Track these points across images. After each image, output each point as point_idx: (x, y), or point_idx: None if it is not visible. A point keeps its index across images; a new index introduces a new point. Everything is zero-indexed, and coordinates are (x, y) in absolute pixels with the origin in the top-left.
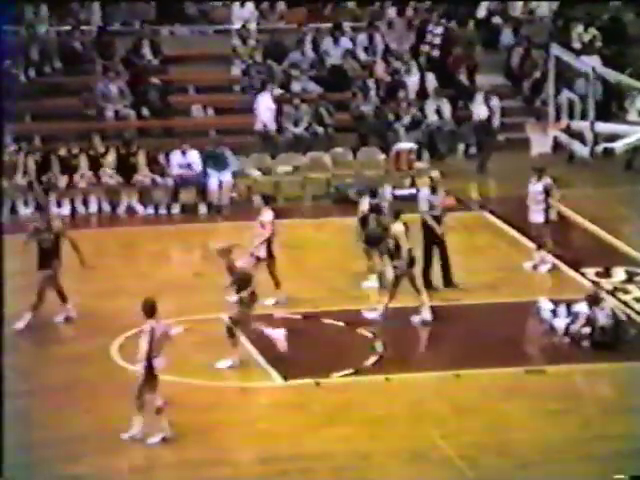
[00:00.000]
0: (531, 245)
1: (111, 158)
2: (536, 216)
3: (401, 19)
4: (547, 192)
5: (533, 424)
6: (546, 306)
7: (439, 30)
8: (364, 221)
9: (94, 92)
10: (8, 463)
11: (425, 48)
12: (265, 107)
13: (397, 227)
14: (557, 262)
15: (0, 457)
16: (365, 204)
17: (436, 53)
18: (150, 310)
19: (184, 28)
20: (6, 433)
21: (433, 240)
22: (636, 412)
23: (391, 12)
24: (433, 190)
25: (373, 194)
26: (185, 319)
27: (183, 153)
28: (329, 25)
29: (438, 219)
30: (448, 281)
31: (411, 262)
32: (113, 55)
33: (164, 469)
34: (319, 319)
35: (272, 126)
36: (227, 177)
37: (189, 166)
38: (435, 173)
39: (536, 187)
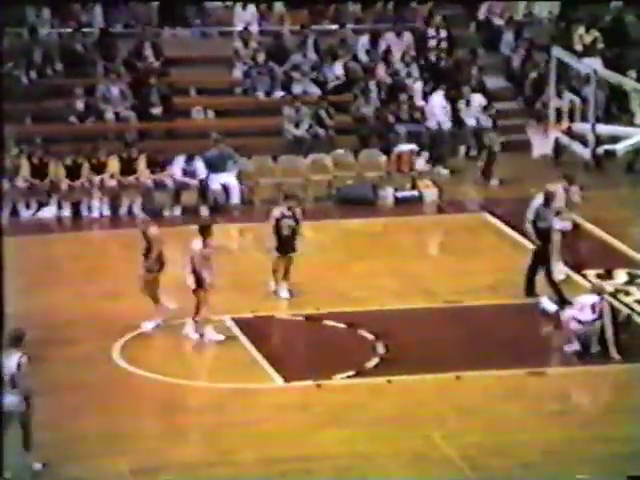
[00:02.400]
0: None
1: (114, 168)
2: (562, 224)
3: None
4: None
5: (533, 425)
6: (549, 306)
7: (442, 34)
8: (277, 228)
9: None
10: (8, 464)
11: (431, 56)
12: (439, 106)
13: (153, 230)
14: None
15: (0, 457)
16: (277, 211)
17: (442, 59)
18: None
19: (186, 30)
20: (6, 433)
21: (540, 248)
22: (636, 413)
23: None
24: (547, 202)
25: (286, 198)
26: (186, 320)
27: (187, 159)
28: (332, 27)
29: (545, 233)
30: (530, 291)
31: (160, 266)
32: (115, 57)
33: (165, 470)
34: (320, 321)
35: (446, 125)
36: (231, 179)
37: (193, 173)
38: (553, 187)
39: (564, 196)
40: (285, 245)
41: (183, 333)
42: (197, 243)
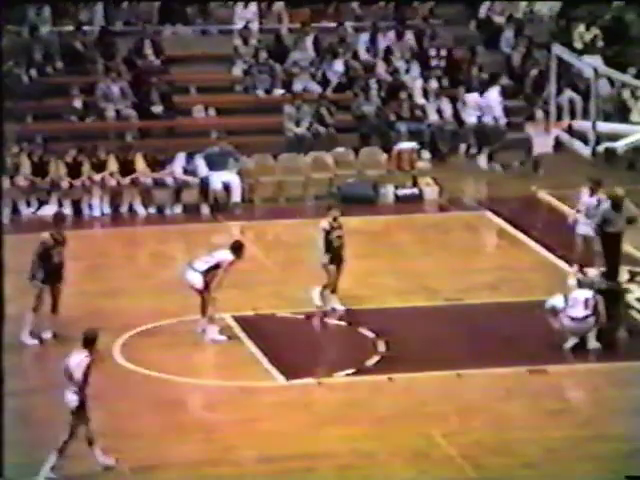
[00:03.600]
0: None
1: (114, 167)
2: (586, 228)
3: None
4: (599, 207)
5: (534, 424)
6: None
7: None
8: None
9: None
10: (8, 463)
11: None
12: (495, 101)
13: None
14: (558, 262)
15: (0, 457)
16: (325, 223)
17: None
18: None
19: (186, 28)
20: (6, 433)
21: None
22: (636, 412)
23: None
24: (616, 207)
25: (330, 209)
26: (186, 319)
27: (188, 158)
28: (332, 25)
29: (615, 237)
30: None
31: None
32: (115, 55)
33: (166, 469)
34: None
35: (503, 120)
36: (233, 177)
37: (194, 171)
38: (621, 190)
39: (591, 200)
40: (337, 257)
41: (200, 333)
42: (228, 256)
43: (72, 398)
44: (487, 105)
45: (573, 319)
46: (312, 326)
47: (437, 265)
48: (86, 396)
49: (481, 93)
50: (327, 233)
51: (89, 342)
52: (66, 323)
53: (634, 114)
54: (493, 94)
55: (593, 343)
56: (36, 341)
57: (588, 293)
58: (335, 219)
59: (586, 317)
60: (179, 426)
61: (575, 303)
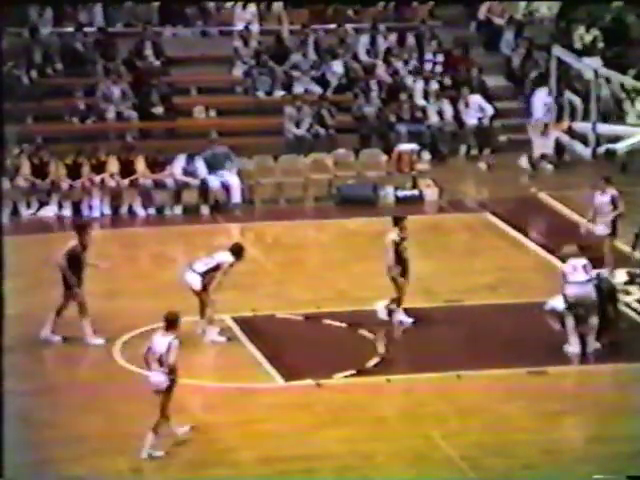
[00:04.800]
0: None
1: (114, 168)
2: (603, 228)
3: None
4: (614, 203)
5: (534, 425)
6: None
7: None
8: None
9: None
10: (9, 463)
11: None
12: (542, 102)
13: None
14: (558, 263)
15: (0, 457)
16: (394, 235)
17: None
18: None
19: (186, 30)
20: (6, 433)
21: None
22: (636, 413)
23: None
24: None
25: (397, 220)
26: (186, 319)
27: (188, 159)
28: (332, 26)
29: None
30: None
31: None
32: (115, 57)
33: (165, 469)
34: (321, 320)
35: (547, 119)
36: (233, 178)
37: (193, 172)
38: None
39: (603, 198)
40: (407, 268)
41: (200, 334)
42: (228, 258)
43: (162, 379)
44: (533, 105)
45: (576, 283)
46: (311, 327)
47: (437, 266)
48: (176, 376)
49: (530, 94)
50: (397, 244)
51: (173, 324)
52: (66, 324)
53: (630, 116)
54: (540, 95)
55: (593, 344)
56: (102, 340)
57: (583, 260)
58: (402, 229)
59: (588, 281)
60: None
61: (575, 268)
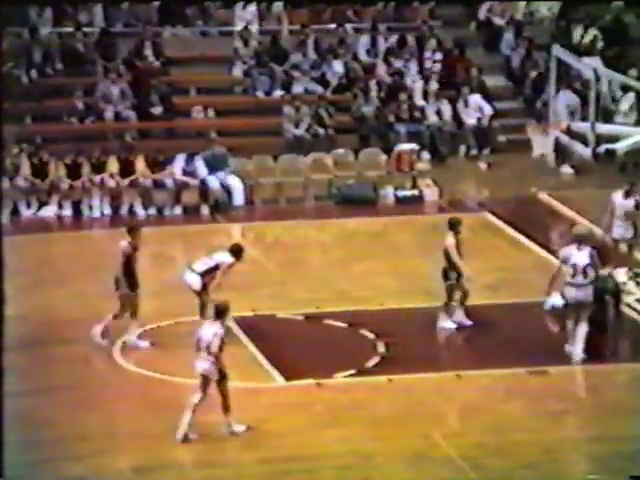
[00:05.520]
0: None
1: (114, 168)
2: (622, 231)
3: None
4: (638, 208)
5: (534, 425)
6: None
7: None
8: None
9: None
10: (9, 463)
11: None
12: (565, 104)
13: None
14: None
15: (0, 457)
16: (451, 239)
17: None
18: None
19: (186, 30)
20: (7, 433)
21: None
22: (636, 413)
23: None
24: None
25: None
26: (186, 320)
27: (188, 159)
28: (332, 26)
29: None
30: None
31: None
32: (115, 57)
33: (165, 469)
34: (321, 320)
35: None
36: (235, 180)
37: (193, 173)
38: None
39: (627, 202)
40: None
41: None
42: (227, 258)
43: (210, 367)
44: (555, 107)
45: (575, 285)
46: (311, 327)
47: (437, 266)
48: (222, 364)
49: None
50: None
51: (222, 313)
52: (66, 324)
53: (618, 115)
54: (564, 98)
55: (579, 354)
56: (147, 343)
57: (587, 259)
58: (457, 233)
59: (589, 283)
60: (178, 427)
61: (575, 271)
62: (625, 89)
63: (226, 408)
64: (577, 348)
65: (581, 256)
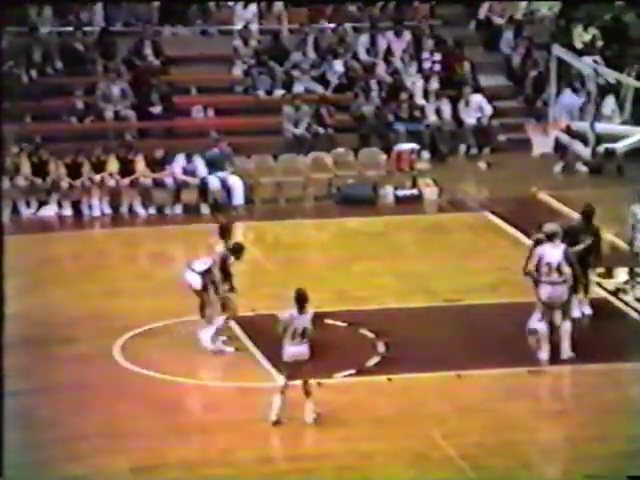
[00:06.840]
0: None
1: (113, 167)
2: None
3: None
4: None
5: (534, 424)
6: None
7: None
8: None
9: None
10: (8, 463)
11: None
12: (565, 103)
13: None
14: None
15: (0, 457)
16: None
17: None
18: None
19: (186, 29)
20: (7, 433)
21: None
22: (636, 413)
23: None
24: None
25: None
26: (186, 320)
27: (188, 158)
28: (332, 25)
29: None
30: None
31: None
32: (115, 56)
33: (165, 469)
34: (321, 319)
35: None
36: (235, 179)
37: (193, 172)
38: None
39: None
40: None
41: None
42: (220, 246)
43: (306, 351)
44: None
45: (549, 283)
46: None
47: (437, 266)
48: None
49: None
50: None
51: (305, 300)
52: (66, 324)
53: (605, 111)
54: (563, 97)
55: (567, 352)
56: (232, 349)
57: (560, 257)
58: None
59: (563, 281)
60: (178, 426)
61: (550, 269)
62: (605, 92)
63: (308, 394)
64: (564, 345)
65: (555, 254)
